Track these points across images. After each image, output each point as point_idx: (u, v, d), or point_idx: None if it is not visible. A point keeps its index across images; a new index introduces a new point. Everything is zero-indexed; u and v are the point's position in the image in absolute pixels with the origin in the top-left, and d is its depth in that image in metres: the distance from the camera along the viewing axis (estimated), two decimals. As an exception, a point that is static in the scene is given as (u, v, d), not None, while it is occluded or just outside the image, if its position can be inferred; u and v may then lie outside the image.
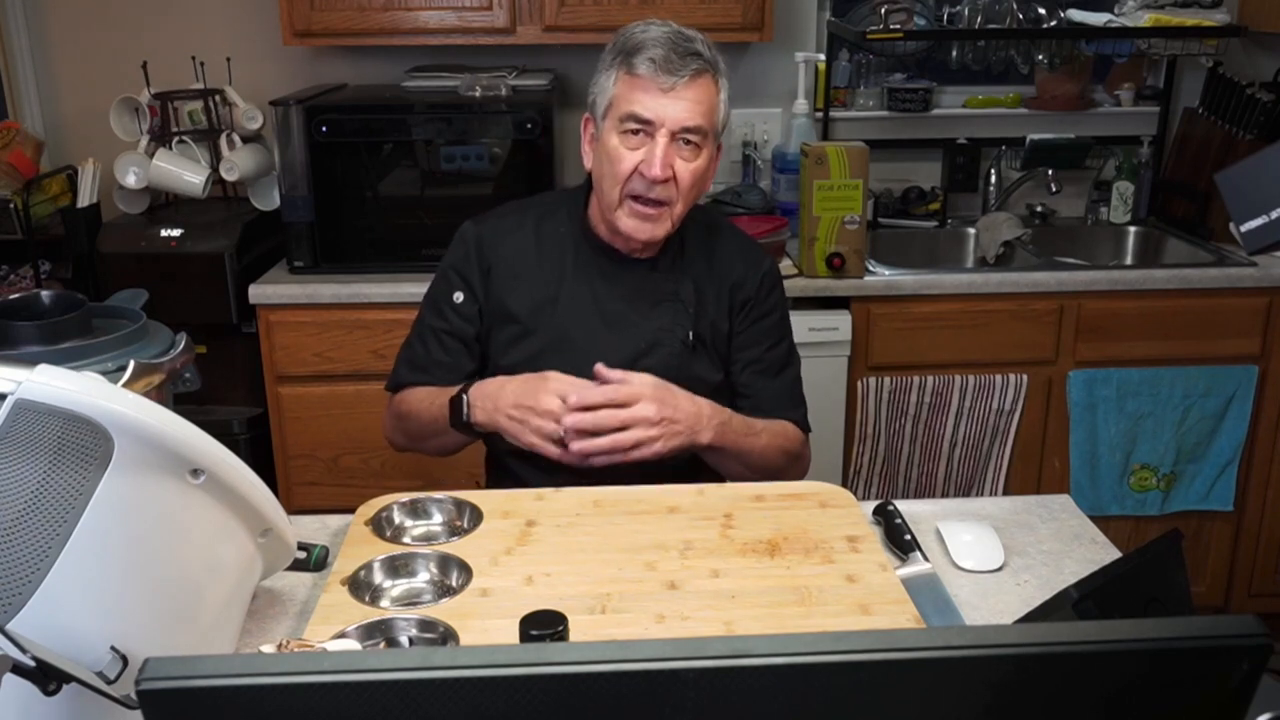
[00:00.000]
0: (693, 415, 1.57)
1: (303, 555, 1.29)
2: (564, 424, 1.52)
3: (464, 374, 1.72)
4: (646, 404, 1.53)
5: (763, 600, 1.26)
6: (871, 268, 2.62)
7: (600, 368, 1.56)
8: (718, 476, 1.78)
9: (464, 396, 1.61)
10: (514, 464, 1.73)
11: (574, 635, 1.12)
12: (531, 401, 1.54)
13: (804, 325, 2.48)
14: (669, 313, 1.69)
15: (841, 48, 3.05)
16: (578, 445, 1.53)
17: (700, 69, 1.57)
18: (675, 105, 1.56)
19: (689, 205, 1.65)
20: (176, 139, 2.73)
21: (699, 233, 1.74)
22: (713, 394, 1.71)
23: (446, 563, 1.33)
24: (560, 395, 1.53)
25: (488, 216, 1.76)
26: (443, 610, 1.23)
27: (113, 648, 0.93)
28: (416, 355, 1.75)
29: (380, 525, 1.42)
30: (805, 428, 1.76)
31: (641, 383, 1.55)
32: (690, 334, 1.69)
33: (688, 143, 1.58)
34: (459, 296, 1.71)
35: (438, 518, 1.46)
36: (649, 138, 1.57)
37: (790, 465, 1.71)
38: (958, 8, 3.00)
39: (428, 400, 1.69)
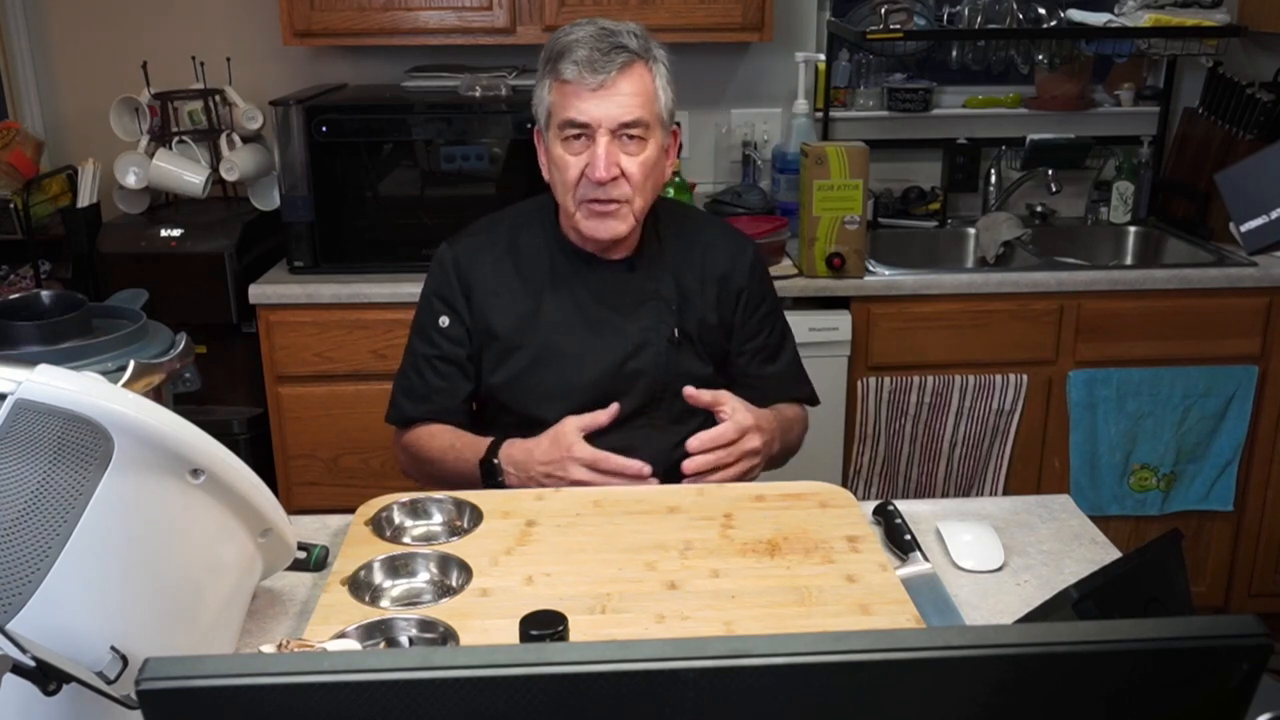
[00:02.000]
0: (771, 429, 1.62)
1: (303, 555, 1.29)
2: (685, 468, 1.55)
3: (462, 396, 1.73)
4: (753, 436, 1.56)
5: (763, 600, 1.26)
6: (871, 268, 2.62)
7: (690, 391, 1.58)
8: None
9: (495, 463, 1.61)
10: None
11: (574, 635, 1.12)
12: (562, 473, 1.55)
13: (804, 325, 2.48)
14: (652, 312, 1.68)
15: (841, 48, 3.05)
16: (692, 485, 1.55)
17: (627, 60, 1.55)
18: (607, 103, 1.55)
19: (649, 198, 1.64)
20: (176, 139, 2.73)
21: (675, 227, 1.73)
22: (702, 386, 1.71)
23: (446, 563, 1.33)
24: (586, 464, 1.54)
25: (461, 237, 1.75)
26: (443, 610, 1.23)
27: (113, 648, 0.93)
28: (414, 386, 1.73)
29: (380, 525, 1.42)
30: (813, 400, 1.80)
31: (738, 412, 1.57)
32: (675, 331, 1.68)
33: (631, 137, 1.57)
34: (445, 321, 1.71)
35: (438, 518, 1.46)
36: (590, 140, 1.56)
37: (800, 437, 1.76)
38: (958, 8, 3.00)
39: (451, 452, 1.67)
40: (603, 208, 1.59)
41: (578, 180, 1.58)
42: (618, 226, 1.61)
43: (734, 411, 1.57)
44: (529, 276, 1.69)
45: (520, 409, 1.69)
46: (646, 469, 1.54)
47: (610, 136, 1.55)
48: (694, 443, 1.55)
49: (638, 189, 1.60)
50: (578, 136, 1.57)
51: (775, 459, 1.69)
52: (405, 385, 1.75)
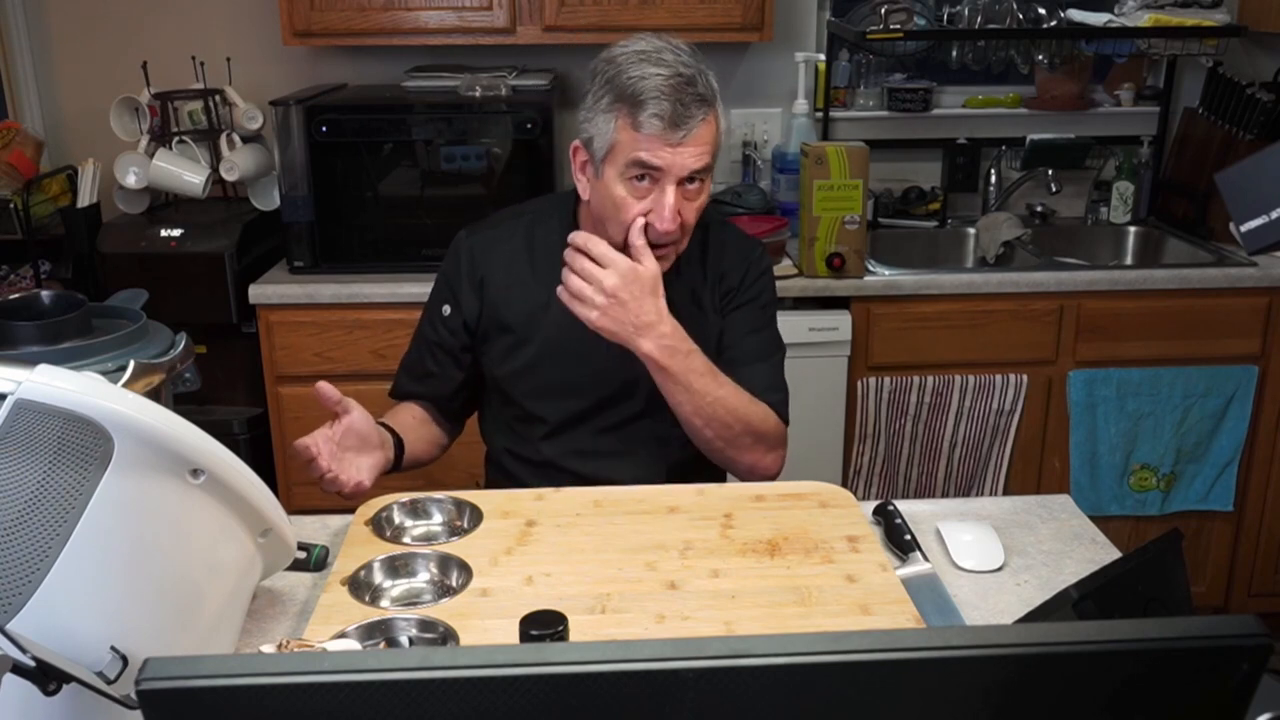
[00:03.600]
0: (646, 318, 1.53)
1: (303, 555, 1.29)
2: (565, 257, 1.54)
3: (453, 384, 1.75)
4: (610, 274, 1.51)
5: (763, 600, 1.26)
6: (871, 268, 2.62)
7: (635, 230, 1.54)
8: (718, 476, 1.78)
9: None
10: (510, 464, 1.73)
11: (574, 635, 1.12)
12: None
13: (804, 325, 2.48)
14: None
15: (841, 48, 3.05)
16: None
17: (705, 114, 1.53)
18: (683, 155, 1.52)
19: (691, 233, 1.63)
20: (176, 139, 2.73)
21: (694, 236, 1.72)
22: None
23: (446, 563, 1.33)
24: (303, 447, 1.48)
25: (481, 226, 1.75)
26: (443, 610, 1.23)
27: (113, 648, 0.93)
28: (413, 364, 1.78)
29: (380, 525, 1.42)
30: (784, 417, 1.72)
31: (633, 264, 1.52)
32: None
33: (693, 181, 1.56)
34: (446, 309, 1.72)
35: (438, 518, 1.46)
36: (654, 183, 1.54)
37: (754, 444, 1.63)
38: (958, 8, 3.00)
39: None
40: (655, 253, 1.58)
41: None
42: (662, 266, 1.60)
43: (618, 271, 1.52)
44: (542, 272, 1.69)
45: (522, 403, 1.69)
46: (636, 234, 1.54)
47: (676, 183, 1.54)
48: (578, 238, 1.54)
49: (687, 232, 1.60)
50: (642, 178, 1.54)
51: (696, 412, 1.59)
52: (407, 362, 1.79)
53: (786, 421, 1.73)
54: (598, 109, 1.55)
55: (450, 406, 1.78)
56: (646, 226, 1.55)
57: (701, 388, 1.58)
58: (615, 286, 1.51)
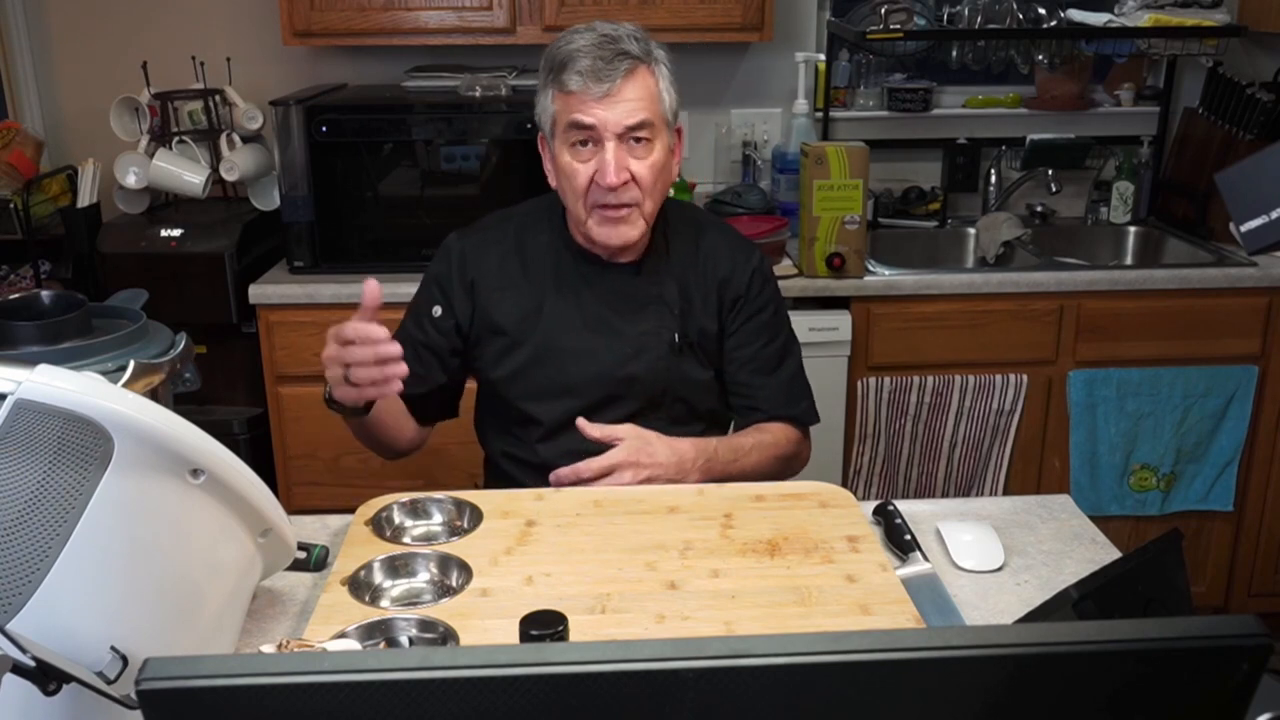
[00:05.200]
0: (674, 466, 1.57)
1: (303, 555, 1.29)
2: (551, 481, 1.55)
3: (434, 385, 1.73)
4: (622, 473, 1.54)
5: (763, 600, 1.26)
6: (871, 268, 2.62)
7: (581, 424, 1.57)
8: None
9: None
10: (508, 466, 1.73)
11: (574, 635, 1.12)
12: (325, 353, 1.48)
13: (804, 325, 2.48)
14: (654, 316, 1.68)
15: (841, 48, 3.05)
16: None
17: (631, 66, 1.55)
18: (613, 110, 1.54)
19: (659, 200, 1.64)
20: (176, 139, 2.73)
21: (684, 233, 1.72)
22: (703, 391, 1.71)
23: (446, 563, 1.33)
24: (337, 339, 1.45)
25: (472, 229, 1.75)
26: (443, 610, 1.23)
27: (113, 648, 0.93)
28: None
29: (380, 525, 1.42)
30: (807, 420, 1.76)
31: (623, 442, 1.55)
32: (676, 336, 1.68)
33: (638, 140, 1.57)
34: (437, 310, 1.72)
35: (438, 518, 1.46)
36: (598, 145, 1.56)
37: (785, 468, 1.71)
38: (958, 8, 3.00)
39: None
40: (614, 213, 1.59)
41: (587, 187, 1.58)
42: (629, 232, 1.61)
43: (620, 447, 1.55)
44: (534, 274, 1.69)
45: (517, 404, 1.69)
46: (584, 425, 1.56)
47: (617, 141, 1.55)
48: (553, 476, 1.55)
49: (648, 192, 1.60)
50: (584, 142, 1.56)
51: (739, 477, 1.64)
52: None
53: (814, 422, 1.77)
54: (539, 89, 1.61)
55: (425, 405, 1.73)
56: (594, 187, 1.57)
57: (739, 470, 1.63)
58: (634, 475, 1.55)
